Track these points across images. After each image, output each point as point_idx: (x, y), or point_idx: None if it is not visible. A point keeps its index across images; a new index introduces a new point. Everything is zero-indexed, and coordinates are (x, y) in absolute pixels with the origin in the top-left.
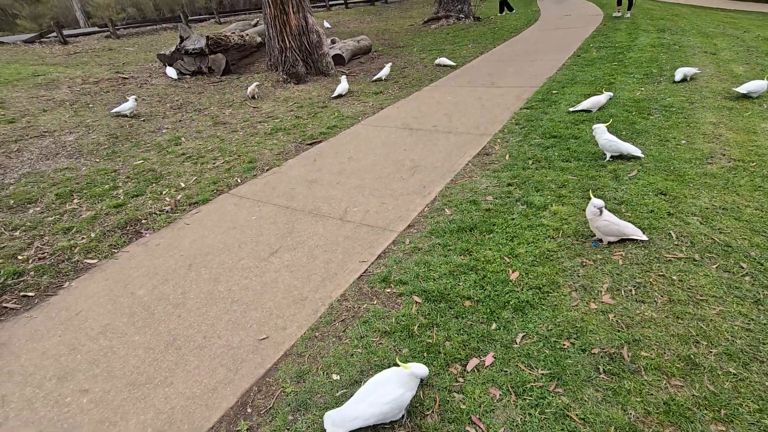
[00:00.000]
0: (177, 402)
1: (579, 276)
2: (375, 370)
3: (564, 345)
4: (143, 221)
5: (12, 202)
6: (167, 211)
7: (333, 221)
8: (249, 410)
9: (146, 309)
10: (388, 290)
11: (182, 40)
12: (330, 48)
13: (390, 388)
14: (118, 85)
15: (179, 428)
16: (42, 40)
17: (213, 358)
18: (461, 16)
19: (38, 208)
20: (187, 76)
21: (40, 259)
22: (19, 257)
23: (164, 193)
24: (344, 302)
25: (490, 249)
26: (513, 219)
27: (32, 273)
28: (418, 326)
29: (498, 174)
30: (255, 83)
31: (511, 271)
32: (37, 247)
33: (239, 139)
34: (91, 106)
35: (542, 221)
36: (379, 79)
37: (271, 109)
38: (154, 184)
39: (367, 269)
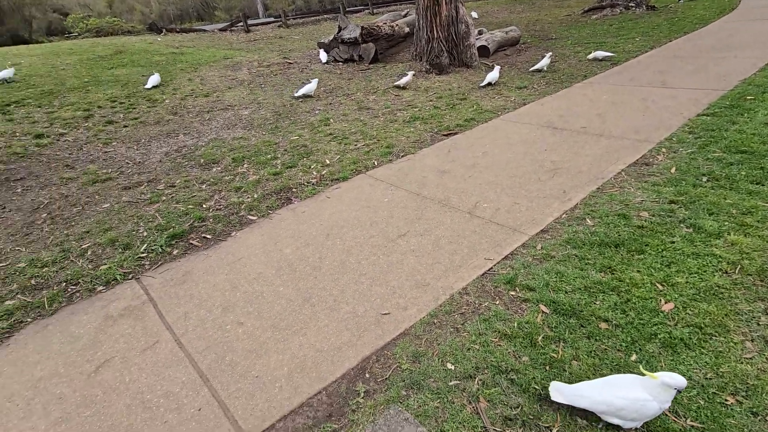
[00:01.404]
0: (308, 351)
1: (759, 324)
2: (491, 369)
3: (727, 401)
4: (294, 190)
5: (202, 160)
6: (313, 184)
7: (461, 214)
8: (367, 375)
9: (290, 266)
10: (513, 293)
11: (340, 29)
12: (476, 39)
13: (634, 389)
14: (284, 69)
15: (308, 374)
16: (232, 28)
17: (340, 321)
18: (631, 4)
19: (219, 168)
20: (340, 63)
21: (217, 209)
22: (204, 206)
23: (312, 167)
24: (465, 296)
25: (638, 271)
26: (673, 242)
27: (211, 220)
28: (543, 337)
29: (658, 188)
30: (410, 73)
31: (663, 301)
32: (216, 199)
33: (379, 125)
34: (262, 86)
35: (713, 251)
36: (538, 71)
37: (411, 98)
38: (304, 159)
39: (491, 267)
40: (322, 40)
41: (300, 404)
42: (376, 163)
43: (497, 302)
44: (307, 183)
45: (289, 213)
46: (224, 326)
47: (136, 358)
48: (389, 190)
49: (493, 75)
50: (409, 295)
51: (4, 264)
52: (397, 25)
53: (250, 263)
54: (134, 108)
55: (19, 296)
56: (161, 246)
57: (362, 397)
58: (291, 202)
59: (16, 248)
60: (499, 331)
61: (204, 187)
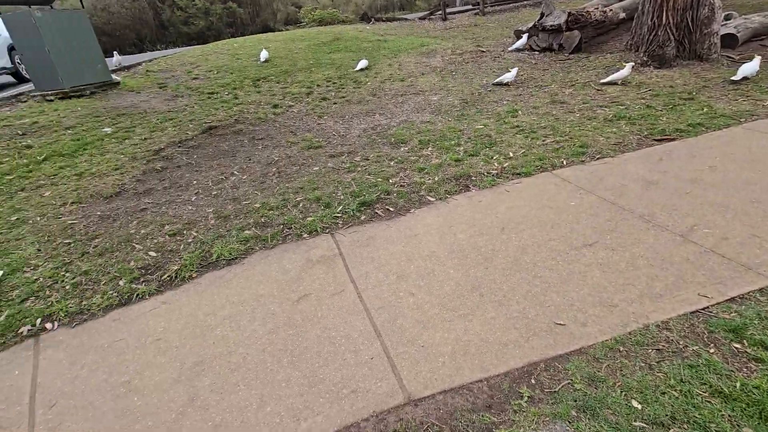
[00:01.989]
0: (472, 337)
1: None
2: (694, 426)
3: None
4: (473, 178)
5: (393, 140)
6: (493, 175)
7: (670, 235)
8: (533, 381)
9: (462, 251)
10: (737, 346)
11: (542, 16)
12: (722, 26)
13: None
14: (476, 57)
15: (471, 359)
16: (431, 17)
17: (508, 318)
18: None
19: (406, 148)
20: (536, 53)
21: (401, 186)
22: (390, 180)
23: (494, 158)
24: (665, 331)
25: None
26: None
27: (395, 194)
28: None
29: None
30: (629, 65)
31: None
32: (401, 177)
33: (574, 121)
34: (453, 74)
35: None
36: None
37: (617, 94)
38: (487, 149)
39: (708, 307)
40: (519, 28)
41: (460, 385)
42: (564, 162)
43: (712, 351)
44: (487, 173)
45: (466, 200)
46: (397, 292)
47: (327, 300)
48: (577, 193)
49: (750, 67)
50: (589, 312)
51: (247, 202)
52: (610, 10)
53: (424, 241)
54: (343, 88)
55: (253, 229)
56: (353, 210)
57: (525, 401)
58: (469, 190)
59: (254, 192)
60: (710, 386)
61: (392, 163)
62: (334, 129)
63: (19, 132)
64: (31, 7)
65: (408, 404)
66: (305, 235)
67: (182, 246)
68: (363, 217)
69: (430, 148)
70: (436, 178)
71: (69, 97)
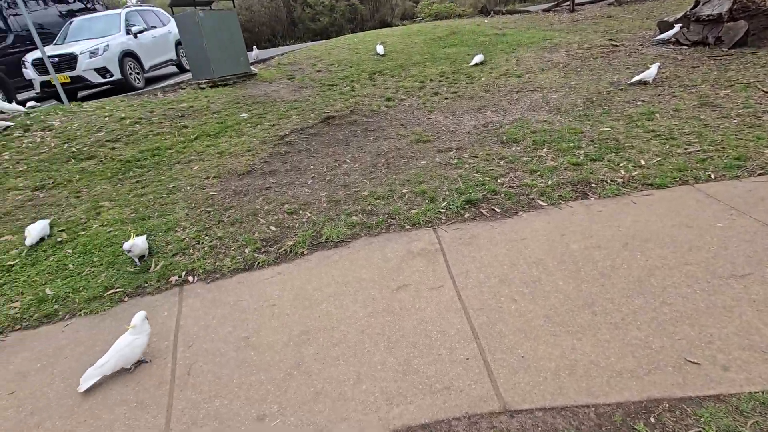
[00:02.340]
0: (580, 357)
1: None
2: None
3: None
4: (593, 185)
5: (504, 138)
6: (618, 183)
7: None
8: (652, 420)
9: (574, 263)
10: None
11: (697, 4)
12: None
13: None
14: (608, 53)
15: (577, 381)
16: (556, 8)
17: (625, 344)
18: None
19: (518, 148)
20: (683, 47)
21: (509, 186)
22: (498, 180)
23: (620, 165)
24: None
25: None
26: None
27: (502, 195)
28: None
29: None
30: None
31: None
32: (511, 177)
33: (729, 128)
34: (578, 70)
35: None
36: None
37: None
38: (613, 154)
39: None
40: (664, 19)
41: (563, 406)
42: (712, 176)
43: None
44: (611, 181)
45: (583, 208)
46: (498, 296)
47: (425, 293)
48: (728, 213)
49: None
50: (734, 355)
51: (356, 189)
52: None
53: (531, 246)
54: (456, 83)
55: (360, 215)
56: (457, 207)
57: None
58: (587, 197)
59: (364, 180)
60: None
61: (502, 163)
62: (444, 124)
63: (179, 114)
64: (196, 8)
65: (503, 413)
66: (408, 227)
67: (297, 224)
68: (467, 215)
69: (545, 149)
70: (550, 182)
71: (217, 86)
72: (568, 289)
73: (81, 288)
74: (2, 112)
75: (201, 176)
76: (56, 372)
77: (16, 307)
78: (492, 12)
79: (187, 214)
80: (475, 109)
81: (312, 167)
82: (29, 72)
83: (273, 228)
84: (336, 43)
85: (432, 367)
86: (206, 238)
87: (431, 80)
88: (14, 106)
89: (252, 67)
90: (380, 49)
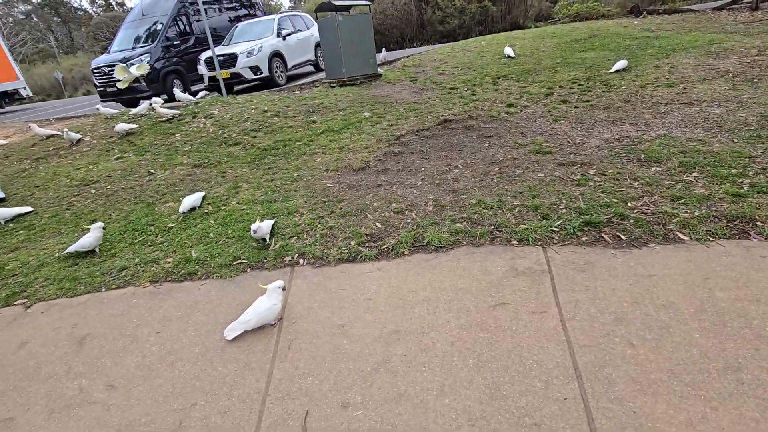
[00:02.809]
0: (711, 430)
1: None
2: None
3: None
4: (759, 223)
5: (642, 156)
6: None
7: None
8: None
9: (719, 315)
10: None
11: None
12: None
13: None
14: None
15: None
16: (731, 6)
17: None
18: None
19: (660, 169)
20: None
21: (642, 212)
22: (628, 204)
23: None
24: None
25: None
26: None
27: (632, 221)
28: None
29: None
30: None
31: None
32: (645, 202)
33: None
34: (755, 80)
35: None
36: None
37: None
38: None
39: None
40: None
41: None
42: None
43: None
44: None
45: (739, 249)
46: (611, 336)
47: (525, 316)
48: None
49: None
50: None
51: (464, 196)
52: None
53: (662, 285)
54: (589, 91)
55: (464, 223)
56: (574, 228)
57: None
58: (747, 237)
59: (473, 188)
60: None
61: (636, 184)
62: (569, 135)
63: (310, 110)
64: (336, 13)
65: None
66: (514, 242)
67: (402, 224)
68: (584, 238)
69: (695, 174)
70: (697, 213)
71: (345, 85)
72: (707, 345)
73: (216, 255)
74: (178, 101)
75: (321, 168)
76: (190, 322)
77: (169, 263)
78: (645, 12)
79: (306, 202)
80: (609, 120)
81: (423, 169)
82: (201, 68)
83: (378, 224)
84: (462, 46)
85: (523, 398)
86: (319, 226)
87: (561, 87)
88: (188, 96)
89: (379, 69)
90: (509, 51)
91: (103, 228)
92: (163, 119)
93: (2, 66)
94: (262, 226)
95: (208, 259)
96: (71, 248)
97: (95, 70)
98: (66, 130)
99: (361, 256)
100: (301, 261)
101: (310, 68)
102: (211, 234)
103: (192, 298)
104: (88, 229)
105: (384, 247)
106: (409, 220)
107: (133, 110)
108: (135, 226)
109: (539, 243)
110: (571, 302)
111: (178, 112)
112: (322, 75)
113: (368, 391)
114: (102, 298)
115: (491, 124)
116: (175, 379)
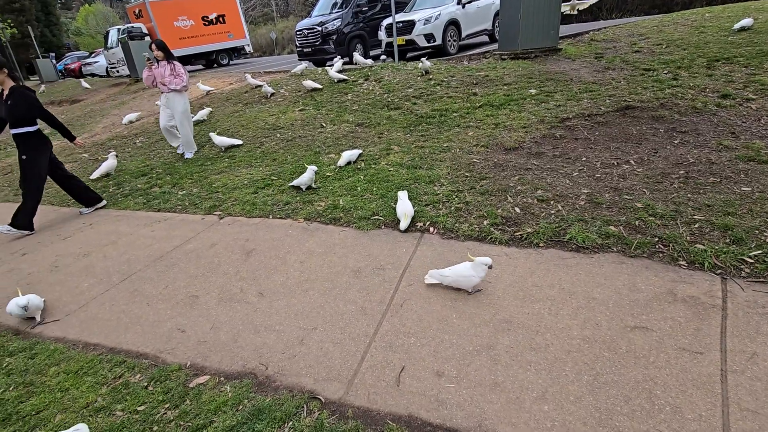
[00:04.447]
0: None
1: None
2: None
3: None
4: None
5: None
6: None
7: None
8: None
9: None
10: None
11: None
12: None
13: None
14: None
15: None
16: None
17: None
18: None
19: None
20: None
21: None
22: None
23: None
24: None
25: None
26: None
27: None
28: None
29: None
30: None
31: None
32: None
33: None
34: None
35: None
36: None
37: None
38: None
39: None
40: None
41: None
42: None
43: None
44: None
45: None
46: None
47: (671, 350)
48: None
49: None
50: None
51: (628, 197)
52: None
53: None
54: None
55: (620, 227)
56: None
57: None
58: None
59: (643, 189)
60: None
61: None
62: None
63: (473, 81)
64: None
65: None
66: (682, 263)
67: (544, 214)
68: None
69: None
70: None
71: (517, 58)
72: None
73: (359, 207)
74: (356, 64)
75: (471, 142)
76: (326, 260)
77: (321, 206)
78: None
79: (449, 174)
80: None
81: (584, 159)
82: (381, 34)
83: (517, 209)
84: (675, 18)
85: None
86: (456, 199)
87: None
88: (365, 60)
89: (559, 42)
90: (746, 22)
91: (316, 171)
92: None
93: (237, 26)
94: (407, 207)
95: (352, 210)
96: (293, 182)
97: (297, 32)
98: (266, 83)
99: (491, 238)
100: (431, 229)
101: (484, 38)
102: (359, 188)
103: (332, 240)
104: (271, 163)
105: (518, 233)
106: (553, 212)
107: (295, 68)
108: (302, 170)
109: (719, 271)
110: (744, 353)
111: (346, 77)
112: (494, 47)
113: (465, 369)
114: (268, 223)
115: (690, 117)
116: (305, 303)
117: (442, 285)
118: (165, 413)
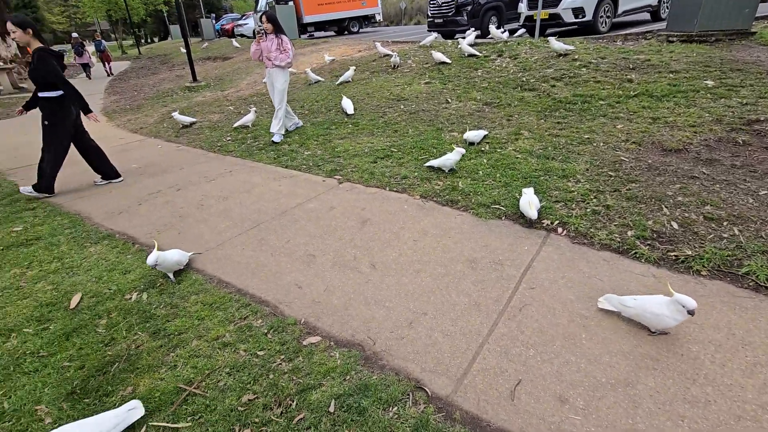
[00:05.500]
0: None
1: None
2: None
3: None
4: None
5: None
6: None
7: None
8: None
9: None
10: None
11: None
12: None
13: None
14: None
15: None
16: None
17: None
18: None
19: None
20: None
21: None
22: None
23: None
24: None
25: None
26: None
27: None
28: None
29: None
30: None
31: None
32: None
33: None
34: None
35: None
36: None
37: None
38: None
39: None
40: None
41: None
42: None
43: None
44: None
45: None
46: None
47: None
48: None
49: None
50: None
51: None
52: None
53: None
54: None
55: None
56: None
57: None
58: None
59: None
60: None
61: None
62: None
63: (629, 66)
64: None
65: None
66: None
67: (712, 236)
68: None
69: None
70: None
71: (690, 41)
72: None
73: (479, 192)
74: (491, 37)
75: (620, 137)
76: (441, 244)
77: (438, 185)
78: None
79: (587, 170)
80: None
81: None
82: (522, 6)
83: (675, 225)
84: None
85: None
86: (594, 200)
87: None
88: (501, 34)
89: (752, 24)
90: None
91: (464, 154)
92: (467, 55)
93: None
94: (533, 199)
95: (471, 194)
96: (434, 163)
97: (431, 2)
98: (395, 53)
99: (636, 253)
100: (559, 230)
101: (645, 16)
102: (480, 172)
103: (447, 223)
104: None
105: (672, 253)
106: (725, 235)
107: (424, 40)
108: (422, 145)
109: None
110: None
111: (477, 52)
112: (658, 26)
113: (595, 403)
114: (385, 195)
115: None
116: (416, 284)
117: (573, 299)
118: (280, 364)
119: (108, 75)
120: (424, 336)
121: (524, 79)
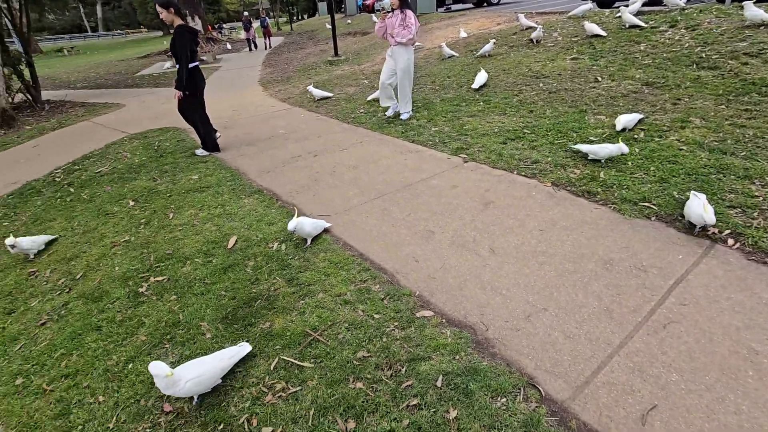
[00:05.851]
0: None
1: None
2: None
3: None
4: None
5: None
6: None
7: None
8: None
9: None
10: None
11: None
12: None
13: None
14: None
15: None
16: None
17: None
18: None
19: None
20: None
21: None
22: None
23: None
24: None
25: None
26: None
27: None
28: None
29: None
30: None
31: None
32: None
33: None
34: None
35: None
36: None
37: None
38: None
39: None
40: None
41: None
42: None
43: None
44: None
45: None
46: None
47: None
48: None
49: None
50: None
51: None
52: None
53: None
54: None
55: None
56: None
57: None
58: None
59: None
60: None
61: None
62: None
63: None
64: None
65: None
66: None
67: None
68: None
69: None
70: None
71: None
72: None
73: (625, 186)
74: (664, 5)
75: None
76: (570, 237)
77: (575, 174)
78: None
79: None
80: None
81: None
82: None
83: None
84: None
85: None
86: None
87: None
88: (680, 0)
89: None
90: None
91: (625, 153)
92: (628, 26)
93: None
94: (703, 210)
95: (614, 187)
96: (586, 148)
97: None
98: (540, 26)
99: None
100: (730, 241)
101: None
102: (629, 163)
103: (581, 216)
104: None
105: None
106: None
107: (576, 9)
108: (560, 128)
109: None
110: None
111: (642, 23)
112: None
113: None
114: (512, 179)
115: None
116: (538, 277)
117: (739, 325)
118: (393, 330)
119: (266, 48)
120: (542, 333)
121: (703, 54)
